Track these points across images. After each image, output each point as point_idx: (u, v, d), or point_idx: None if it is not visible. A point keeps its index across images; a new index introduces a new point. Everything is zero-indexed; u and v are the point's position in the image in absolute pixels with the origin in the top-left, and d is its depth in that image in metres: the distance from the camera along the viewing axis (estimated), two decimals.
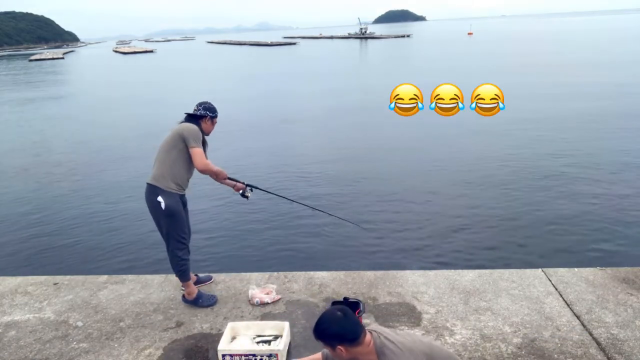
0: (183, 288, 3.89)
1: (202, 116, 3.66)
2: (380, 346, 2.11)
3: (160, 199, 3.49)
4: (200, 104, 3.70)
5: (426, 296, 3.67)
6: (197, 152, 3.48)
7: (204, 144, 3.67)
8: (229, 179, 3.84)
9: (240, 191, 3.92)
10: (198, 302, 3.72)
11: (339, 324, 2.11)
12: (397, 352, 2.08)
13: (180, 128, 3.53)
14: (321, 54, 57.51)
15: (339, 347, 2.10)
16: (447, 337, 3.16)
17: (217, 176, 3.73)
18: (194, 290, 3.75)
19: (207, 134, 3.73)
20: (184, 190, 3.69)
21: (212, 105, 3.73)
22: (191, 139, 3.47)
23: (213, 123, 3.75)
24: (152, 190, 3.54)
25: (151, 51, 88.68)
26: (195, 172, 3.69)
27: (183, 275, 3.70)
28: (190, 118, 3.65)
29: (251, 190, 3.96)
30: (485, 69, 26.40)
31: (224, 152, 11.17)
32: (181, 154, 3.53)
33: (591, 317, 3.29)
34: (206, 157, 3.67)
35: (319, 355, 2.54)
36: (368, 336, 2.14)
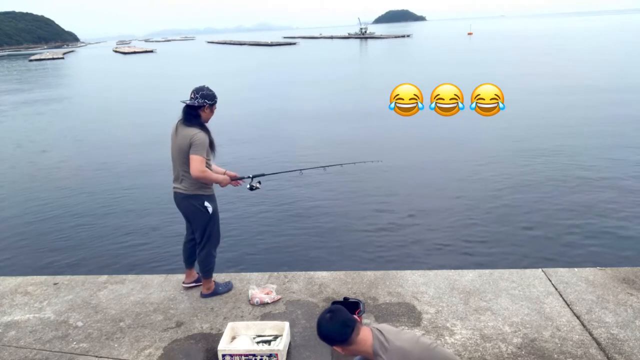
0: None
1: (201, 106, 3.50)
2: (377, 347, 2.12)
3: (207, 204, 3.59)
4: (197, 92, 3.49)
5: (426, 296, 3.67)
6: (195, 158, 3.39)
7: (212, 145, 3.57)
8: (233, 180, 3.78)
9: (247, 186, 3.85)
10: (219, 290, 3.84)
11: (326, 327, 2.17)
12: (391, 356, 2.09)
13: (189, 135, 3.42)
14: (321, 53, 57.48)
15: (333, 347, 2.21)
16: (447, 337, 3.16)
17: (219, 184, 3.67)
18: (213, 284, 3.84)
19: (206, 122, 3.60)
20: None
21: (209, 91, 3.53)
22: (195, 146, 3.39)
23: (212, 110, 3.59)
24: (196, 198, 3.57)
25: (151, 51, 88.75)
26: None
27: (210, 272, 3.80)
28: (189, 109, 3.51)
29: (259, 182, 3.89)
30: (484, 69, 26.38)
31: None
32: None
33: (591, 317, 3.29)
34: (214, 157, 3.66)
35: None
36: (366, 333, 2.16)
